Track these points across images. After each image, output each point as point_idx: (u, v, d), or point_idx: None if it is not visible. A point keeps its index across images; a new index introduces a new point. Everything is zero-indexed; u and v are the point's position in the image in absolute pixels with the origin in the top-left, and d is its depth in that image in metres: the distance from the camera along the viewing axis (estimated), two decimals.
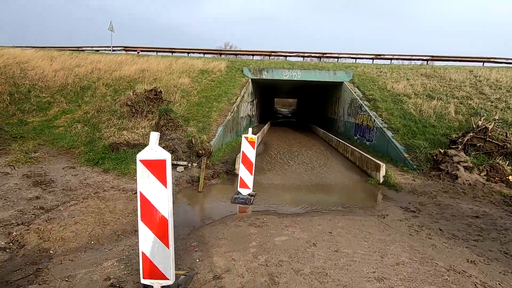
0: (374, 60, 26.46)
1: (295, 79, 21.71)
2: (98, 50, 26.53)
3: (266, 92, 36.28)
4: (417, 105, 15.82)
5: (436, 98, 16.33)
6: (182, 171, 9.14)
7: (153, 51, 26.53)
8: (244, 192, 7.74)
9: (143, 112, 11.79)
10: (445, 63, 25.73)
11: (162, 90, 13.28)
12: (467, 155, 9.92)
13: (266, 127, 24.94)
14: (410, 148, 11.46)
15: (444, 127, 13.01)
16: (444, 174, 9.20)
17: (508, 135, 10.22)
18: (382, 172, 9.81)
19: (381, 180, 9.76)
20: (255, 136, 7.68)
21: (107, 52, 25.86)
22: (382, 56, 26.26)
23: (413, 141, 11.85)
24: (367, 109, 16.22)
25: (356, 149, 13.21)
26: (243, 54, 26.79)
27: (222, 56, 26.41)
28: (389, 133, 13.20)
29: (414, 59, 26.02)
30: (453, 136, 11.27)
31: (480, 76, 20.98)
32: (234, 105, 16.47)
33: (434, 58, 25.99)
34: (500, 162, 9.19)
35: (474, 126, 10.61)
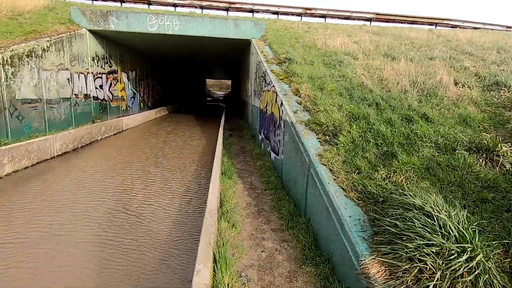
0: (303, 17, 17.53)
1: (170, 32, 11.64)
2: None
3: (178, 67, 25.56)
4: (372, 69, 7.10)
5: (403, 59, 7.78)
6: None
7: None
8: None
9: None
10: (393, 24, 17.88)
11: None
12: None
13: (134, 117, 14.68)
14: (386, 228, 2.45)
15: (454, 122, 4.34)
16: None
17: None
18: None
19: None
20: None
21: None
22: (313, 12, 17.41)
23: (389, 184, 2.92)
24: (272, 78, 7.01)
25: None
26: None
27: None
28: (310, 145, 4.08)
29: (354, 18, 17.88)
30: None
31: (445, 36, 13.29)
32: None
33: (379, 16, 17.92)
34: None
35: None
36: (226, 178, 5.33)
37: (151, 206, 5.12)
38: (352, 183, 3.13)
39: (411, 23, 18.01)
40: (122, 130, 12.43)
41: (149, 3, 16.18)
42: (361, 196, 2.94)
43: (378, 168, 3.27)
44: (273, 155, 6.39)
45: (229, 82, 66.70)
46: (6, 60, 7.57)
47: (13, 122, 7.78)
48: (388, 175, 3.10)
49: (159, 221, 4.60)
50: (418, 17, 18.10)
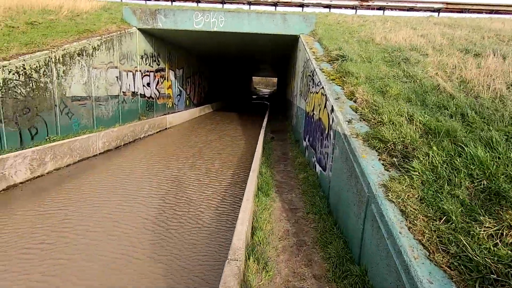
0: (358, 10, 15.89)
1: (215, 29, 11.25)
2: None
3: (225, 64, 25.66)
4: (448, 68, 5.68)
5: (491, 56, 6.16)
6: None
7: None
8: None
9: None
10: (467, 15, 15.27)
11: None
12: None
13: (171, 117, 14.69)
14: None
15: None
16: None
17: None
18: None
19: None
20: None
21: None
22: (370, 4, 15.67)
23: None
24: (321, 78, 6.02)
25: None
26: None
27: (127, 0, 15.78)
28: (370, 169, 3.09)
29: (418, 9, 15.61)
30: None
31: None
32: None
33: (450, 6, 15.45)
34: None
35: None
36: (262, 195, 4.56)
37: (182, 217, 4.60)
38: (438, 237, 2.12)
39: (491, 13, 15.20)
40: (166, 128, 12.45)
41: (198, 1, 16.06)
42: (455, 264, 1.92)
43: (479, 216, 2.19)
44: (318, 168, 5.45)
45: (275, 79, 65.98)
46: (58, 58, 7.76)
47: (63, 119, 8.00)
48: (499, 232, 2.02)
49: (186, 237, 4.03)
50: (500, 5, 15.19)
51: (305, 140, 7.63)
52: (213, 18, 11.23)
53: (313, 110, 6.57)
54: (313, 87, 6.80)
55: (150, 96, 12.98)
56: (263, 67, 30.46)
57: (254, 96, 49.81)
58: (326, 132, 4.91)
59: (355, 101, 4.67)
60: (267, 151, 8.22)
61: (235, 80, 34.56)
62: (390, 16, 14.02)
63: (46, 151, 5.87)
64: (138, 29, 11.49)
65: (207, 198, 5.41)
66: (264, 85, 73.36)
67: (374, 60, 6.57)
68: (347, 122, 4.04)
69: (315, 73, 6.68)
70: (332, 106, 4.67)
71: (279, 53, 16.07)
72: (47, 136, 7.39)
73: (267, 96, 54.82)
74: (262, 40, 12.77)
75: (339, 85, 5.49)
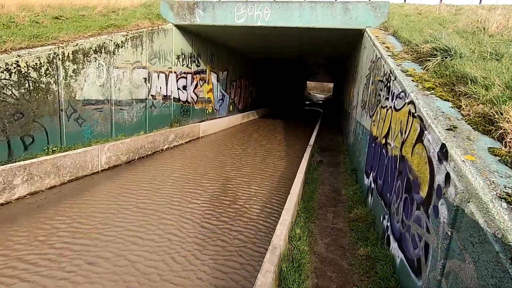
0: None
1: (259, 23, 9.27)
2: None
3: (274, 67, 23.79)
4: None
5: None
6: None
7: None
8: None
9: None
10: None
11: None
12: None
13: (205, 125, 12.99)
14: None
15: None
16: None
17: None
18: None
19: None
20: None
21: None
22: None
23: None
24: (405, 84, 3.45)
25: None
26: None
27: None
28: None
29: None
30: None
31: None
32: None
33: None
34: None
35: None
36: None
37: None
38: None
39: None
40: (198, 138, 10.83)
41: None
42: None
43: None
44: (397, 251, 2.92)
45: (331, 85, 61.80)
46: (67, 55, 6.55)
47: (71, 125, 6.77)
48: None
49: None
50: None
51: (367, 176, 5.05)
52: (257, 10, 9.25)
53: (385, 137, 4.01)
54: (387, 98, 4.24)
55: (186, 101, 11.54)
56: (317, 71, 27.68)
57: (306, 102, 47.12)
58: (424, 194, 2.40)
59: (501, 139, 2.09)
60: (311, 183, 5.84)
61: (287, 84, 32.36)
62: (493, 4, 10.36)
63: (15, 171, 4.46)
64: (175, 25, 10.10)
65: (212, 259, 3.33)
66: (319, 90, 70.29)
67: (504, 56, 3.74)
68: (500, 199, 1.53)
69: (392, 77, 4.12)
70: (443, 145, 2.16)
71: (336, 52, 13.39)
72: (47, 145, 6.19)
73: (320, 102, 51.65)
74: (316, 37, 10.38)
75: (448, 100, 2.90)
